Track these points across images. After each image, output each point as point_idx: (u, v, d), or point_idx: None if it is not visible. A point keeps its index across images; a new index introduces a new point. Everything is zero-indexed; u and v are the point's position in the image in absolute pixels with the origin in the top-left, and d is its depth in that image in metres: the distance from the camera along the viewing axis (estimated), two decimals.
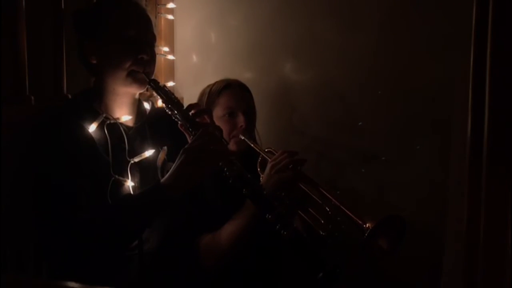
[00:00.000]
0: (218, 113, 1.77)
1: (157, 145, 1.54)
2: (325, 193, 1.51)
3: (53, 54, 1.65)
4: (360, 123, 2.08)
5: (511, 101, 1.29)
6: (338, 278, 1.23)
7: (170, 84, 2.21)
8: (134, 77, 1.46)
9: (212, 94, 1.80)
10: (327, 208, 1.49)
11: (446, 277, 1.56)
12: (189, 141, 1.42)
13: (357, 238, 1.36)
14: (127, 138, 1.48)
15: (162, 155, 1.53)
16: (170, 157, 1.53)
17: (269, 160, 1.61)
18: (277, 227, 1.30)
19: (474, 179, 1.33)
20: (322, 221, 1.51)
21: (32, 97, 1.53)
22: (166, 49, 2.21)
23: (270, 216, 1.31)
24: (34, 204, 1.38)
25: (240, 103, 1.78)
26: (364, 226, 1.36)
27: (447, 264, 1.54)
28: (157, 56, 1.55)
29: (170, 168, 1.37)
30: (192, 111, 1.44)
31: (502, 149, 1.30)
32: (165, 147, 1.55)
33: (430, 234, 1.96)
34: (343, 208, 1.43)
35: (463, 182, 1.37)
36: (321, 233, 1.48)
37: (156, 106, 1.74)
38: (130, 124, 1.53)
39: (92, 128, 1.42)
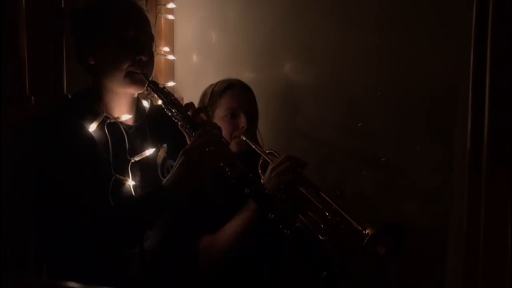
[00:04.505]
0: (220, 114, 1.76)
1: (157, 143, 1.54)
2: (326, 197, 1.50)
3: (53, 54, 1.65)
4: (360, 125, 2.07)
5: (511, 101, 1.29)
6: (342, 278, 1.22)
7: (170, 84, 2.21)
8: (132, 78, 1.46)
9: (214, 94, 1.80)
10: (326, 213, 1.48)
11: (449, 278, 1.56)
12: (189, 141, 1.42)
13: (356, 244, 1.36)
14: (127, 137, 1.48)
15: (162, 153, 1.54)
16: (170, 155, 1.53)
17: (270, 162, 1.61)
18: (280, 226, 1.29)
19: (474, 179, 1.33)
20: (322, 226, 1.50)
21: (32, 97, 1.53)
22: (166, 49, 2.21)
23: (272, 216, 1.31)
24: (35, 205, 1.38)
25: (242, 103, 1.78)
26: (364, 232, 1.35)
27: (450, 265, 1.54)
28: (157, 56, 1.56)
29: (170, 166, 1.37)
30: (190, 112, 1.44)
31: (502, 149, 1.30)
32: (165, 145, 1.56)
33: (432, 237, 1.96)
34: (343, 213, 1.43)
35: (463, 182, 1.37)
36: (321, 237, 1.48)
37: (154, 104, 1.74)
38: (130, 123, 1.53)
39: (93, 127, 1.43)
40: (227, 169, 1.36)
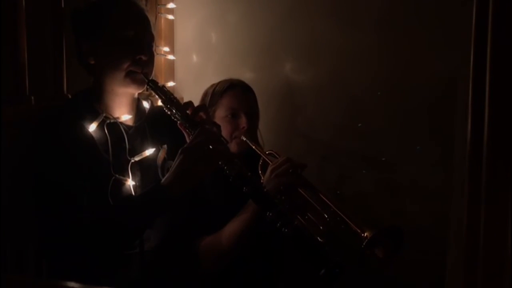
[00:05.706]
0: (220, 114, 1.76)
1: (157, 144, 1.54)
2: (325, 199, 1.50)
3: (53, 54, 1.65)
4: (360, 125, 2.07)
5: (511, 101, 1.29)
6: (341, 274, 1.22)
7: (170, 84, 2.21)
8: (133, 78, 1.46)
9: (215, 94, 1.80)
10: (325, 214, 1.48)
11: (448, 278, 1.56)
12: (188, 140, 1.42)
13: (354, 246, 1.36)
14: (127, 137, 1.48)
15: (162, 154, 1.54)
16: (170, 156, 1.53)
17: (270, 163, 1.61)
18: (278, 224, 1.29)
19: (474, 179, 1.32)
20: (321, 227, 1.50)
21: (32, 97, 1.53)
22: (166, 49, 2.21)
23: (271, 214, 1.31)
24: (35, 205, 1.38)
25: (242, 104, 1.78)
26: (362, 235, 1.35)
27: (450, 265, 1.54)
28: (157, 56, 1.55)
29: (170, 167, 1.37)
30: (189, 110, 1.44)
31: (502, 149, 1.30)
32: (165, 146, 1.56)
33: (432, 237, 1.96)
34: (342, 215, 1.43)
35: (463, 182, 1.37)
36: (319, 239, 1.48)
37: (155, 105, 1.74)
38: (130, 123, 1.53)
39: (92, 127, 1.43)
40: (225, 167, 1.35)
